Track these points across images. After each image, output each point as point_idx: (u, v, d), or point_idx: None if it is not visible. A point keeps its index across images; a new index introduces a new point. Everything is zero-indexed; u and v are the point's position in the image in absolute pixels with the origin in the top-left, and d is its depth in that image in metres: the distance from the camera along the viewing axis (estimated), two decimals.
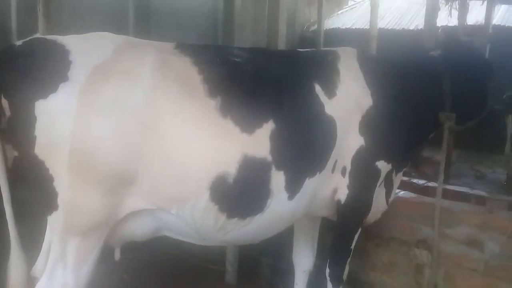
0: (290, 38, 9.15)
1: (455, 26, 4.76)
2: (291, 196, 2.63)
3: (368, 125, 2.86)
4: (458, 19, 4.72)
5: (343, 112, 2.78)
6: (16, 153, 2.23)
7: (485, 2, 5.19)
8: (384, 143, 2.90)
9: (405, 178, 3.85)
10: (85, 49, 2.27)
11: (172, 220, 2.48)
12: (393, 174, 3.15)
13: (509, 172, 5.93)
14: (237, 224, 2.55)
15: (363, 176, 2.90)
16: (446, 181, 3.70)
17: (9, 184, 2.28)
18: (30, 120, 2.12)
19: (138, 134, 2.22)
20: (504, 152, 6.48)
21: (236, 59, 2.63)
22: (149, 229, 2.54)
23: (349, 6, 11.53)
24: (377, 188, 3.02)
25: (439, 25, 4.42)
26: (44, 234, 2.55)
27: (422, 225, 3.57)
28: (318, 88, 2.75)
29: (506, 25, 8.61)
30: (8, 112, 2.16)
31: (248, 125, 2.45)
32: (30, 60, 2.17)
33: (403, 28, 9.75)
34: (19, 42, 2.28)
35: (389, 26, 9.88)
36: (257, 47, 3.68)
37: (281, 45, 4.10)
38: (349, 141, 2.82)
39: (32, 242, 2.54)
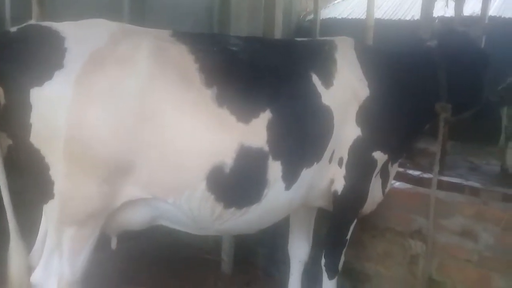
0: (286, 27, 9.13)
1: (451, 16, 4.73)
2: (288, 186, 2.63)
3: (365, 115, 2.85)
4: (455, 10, 4.69)
5: (340, 102, 2.76)
6: (10, 142, 2.21)
7: None
8: (381, 134, 2.90)
9: (400, 169, 3.85)
10: (81, 36, 2.23)
11: (168, 209, 2.47)
12: (389, 165, 3.15)
13: (503, 163, 5.98)
14: (234, 214, 2.55)
15: (360, 167, 2.90)
16: (440, 172, 3.70)
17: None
18: (25, 108, 2.09)
19: (134, 123, 2.20)
20: (498, 144, 6.49)
21: (232, 48, 2.61)
22: (145, 218, 2.53)
23: None
24: (373, 179, 3.03)
25: (436, 16, 4.39)
26: (40, 223, 2.54)
27: (417, 216, 3.58)
28: (315, 78, 2.73)
29: (502, 16, 8.61)
30: (2, 100, 2.13)
31: (245, 115, 2.43)
32: (25, 47, 2.14)
33: (399, 19, 9.75)
34: (13, 29, 2.25)
35: (386, 17, 9.88)
36: (254, 36, 3.66)
37: (278, 34, 4.07)
38: (346, 131, 2.81)
39: (29, 230, 2.53)
